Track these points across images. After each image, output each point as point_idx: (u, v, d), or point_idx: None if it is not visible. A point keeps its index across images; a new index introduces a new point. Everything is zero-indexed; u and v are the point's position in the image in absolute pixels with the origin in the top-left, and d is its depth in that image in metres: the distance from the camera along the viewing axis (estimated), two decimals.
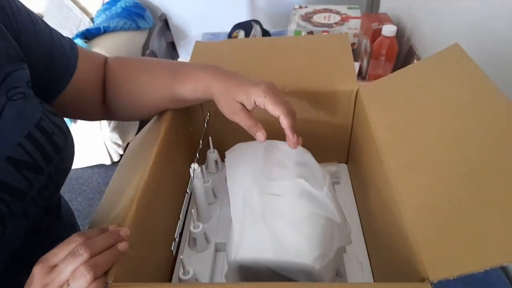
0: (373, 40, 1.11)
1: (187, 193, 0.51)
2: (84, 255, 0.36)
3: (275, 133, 0.54)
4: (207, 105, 0.67)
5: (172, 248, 0.44)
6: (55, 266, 0.37)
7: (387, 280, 0.51)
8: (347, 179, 0.71)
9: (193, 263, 0.56)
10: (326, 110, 0.67)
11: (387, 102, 0.59)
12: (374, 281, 0.55)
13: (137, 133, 2.07)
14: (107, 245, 0.39)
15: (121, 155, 1.84)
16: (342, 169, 0.73)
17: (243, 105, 0.52)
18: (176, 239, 0.45)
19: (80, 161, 1.83)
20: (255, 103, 0.51)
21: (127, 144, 1.87)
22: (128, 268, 0.41)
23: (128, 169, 0.56)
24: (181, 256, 0.48)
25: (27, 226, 0.43)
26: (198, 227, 0.56)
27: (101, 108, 0.59)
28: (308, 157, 0.59)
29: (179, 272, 0.50)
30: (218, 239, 0.59)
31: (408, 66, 0.65)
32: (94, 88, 0.57)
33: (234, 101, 0.52)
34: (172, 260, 0.57)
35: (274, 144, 0.59)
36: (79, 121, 1.68)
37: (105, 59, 0.59)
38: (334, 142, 0.72)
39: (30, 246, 0.45)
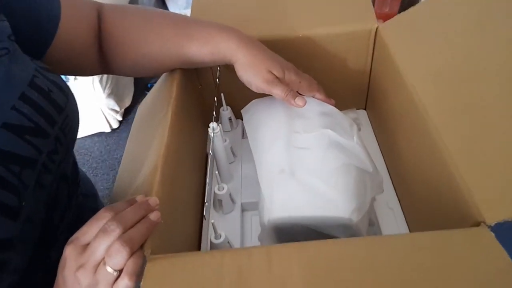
0: None
1: (210, 154, 0.48)
2: (116, 230, 0.34)
3: None
4: None
5: (204, 214, 0.42)
6: (87, 245, 0.34)
7: (425, 225, 0.49)
8: (368, 125, 0.68)
9: (221, 225, 0.54)
10: (342, 54, 0.63)
11: (413, 38, 0.55)
12: (409, 227, 0.54)
13: (133, 97, 2.01)
14: (139, 217, 0.36)
15: (120, 121, 1.80)
16: (362, 116, 0.70)
17: (276, 76, 0.51)
18: (207, 204, 0.43)
19: (79, 131, 1.78)
20: (288, 82, 0.52)
21: (125, 110, 1.82)
22: (162, 238, 0.39)
23: (142, 134, 0.52)
24: (213, 221, 0.46)
25: (45, 197, 0.39)
26: (223, 188, 0.53)
27: (98, 62, 0.54)
28: (331, 107, 0.55)
29: (210, 236, 0.48)
30: (244, 199, 0.57)
31: None
32: (87, 40, 0.50)
33: (266, 70, 0.51)
34: (199, 225, 0.55)
35: None
36: (73, 89, 1.62)
37: (98, 7, 0.52)
38: (351, 87, 0.68)
39: (53, 220, 0.42)
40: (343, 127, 0.51)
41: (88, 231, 0.35)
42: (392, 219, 0.55)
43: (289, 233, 0.44)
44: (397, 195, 0.57)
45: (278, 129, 0.52)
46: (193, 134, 0.57)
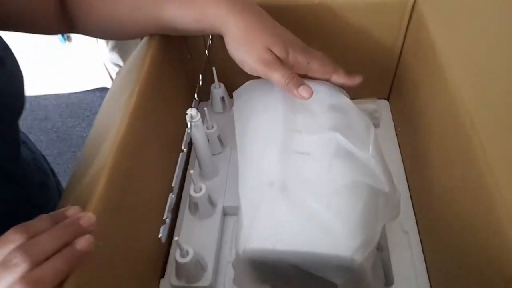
0: None
1: (182, 151, 0.37)
2: (21, 265, 0.24)
3: None
4: None
5: (160, 236, 0.32)
6: None
7: (446, 259, 0.38)
8: (389, 120, 0.56)
9: (195, 233, 0.45)
10: (367, 29, 0.50)
11: (459, 17, 0.42)
12: (425, 257, 0.43)
13: None
14: (59, 244, 0.27)
15: None
16: (383, 107, 0.58)
17: (276, 56, 0.39)
18: (167, 221, 0.33)
19: (80, 84, 1.69)
20: (293, 63, 0.41)
21: None
22: (99, 266, 0.29)
23: (105, 117, 0.42)
24: (176, 238, 0.36)
25: None
26: (200, 190, 0.43)
27: (58, 18, 0.43)
28: (345, 99, 0.43)
29: (175, 254, 0.38)
30: (227, 202, 0.47)
31: None
32: None
33: (263, 48, 0.39)
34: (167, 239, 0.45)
35: None
36: (74, 41, 1.52)
37: None
38: (374, 71, 0.55)
39: None
40: (357, 130, 0.40)
41: None
42: (406, 245, 0.44)
43: (270, 270, 0.34)
44: (414, 215, 0.47)
45: (274, 124, 0.40)
46: (171, 118, 0.46)
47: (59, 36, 1.46)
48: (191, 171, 0.41)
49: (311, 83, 0.42)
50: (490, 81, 0.35)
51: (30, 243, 0.26)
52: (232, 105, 0.57)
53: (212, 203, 0.45)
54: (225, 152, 0.52)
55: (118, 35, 0.47)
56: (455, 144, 0.36)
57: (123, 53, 1.63)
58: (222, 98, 0.55)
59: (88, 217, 0.29)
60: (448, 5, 0.44)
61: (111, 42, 1.55)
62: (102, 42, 1.53)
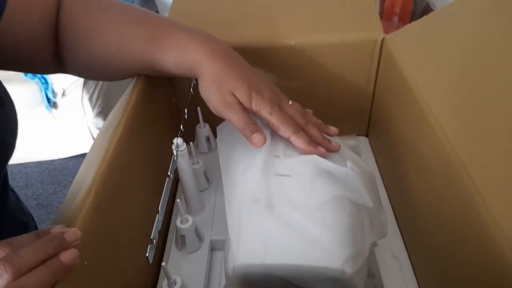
0: None
1: (168, 176, 0.38)
2: (3, 275, 0.24)
3: None
4: None
5: (147, 255, 0.31)
6: None
7: (440, 281, 0.38)
8: (369, 154, 0.58)
9: (183, 267, 0.43)
10: (341, 68, 0.54)
11: (423, 51, 0.46)
12: (418, 282, 0.42)
13: None
14: (44, 256, 0.26)
15: None
16: (363, 143, 0.60)
17: (239, 101, 0.41)
18: (154, 241, 0.32)
19: (63, 150, 1.69)
20: (256, 111, 0.41)
21: None
22: (82, 286, 0.28)
23: (92, 150, 0.43)
24: (163, 263, 0.35)
25: None
26: (187, 221, 0.43)
27: (53, 58, 0.45)
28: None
29: (162, 283, 0.37)
30: (214, 236, 0.46)
31: (441, 8, 0.52)
32: (41, 31, 0.42)
33: (227, 91, 0.41)
34: (155, 268, 0.44)
35: None
36: (60, 107, 1.54)
37: None
38: (351, 110, 0.58)
39: None
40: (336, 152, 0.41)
41: None
42: (398, 271, 0.44)
43: (262, 287, 0.33)
44: (403, 241, 0.47)
45: (256, 152, 0.42)
46: (156, 154, 0.47)
47: (46, 104, 1.49)
48: (178, 200, 0.41)
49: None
50: (461, 101, 0.37)
51: (13, 254, 0.25)
52: (216, 146, 0.59)
53: (199, 236, 0.45)
54: (211, 188, 0.52)
55: (109, 77, 0.49)
56: (434, 163, 0.37)
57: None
58: (207, 137, 0.57)
59: (72, 232, 0.28)
60: (414, 41, 0.48)
61: (97, 107, 1.59)
62: (88, 106, 1.56)
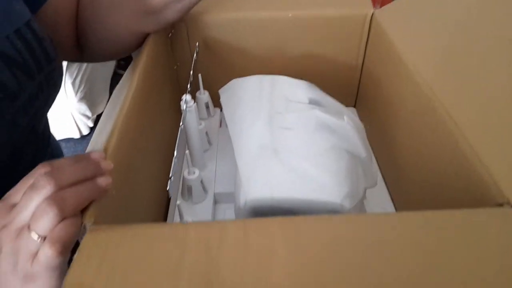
0: None
1: (181, 127, 0.41)
2: (46, 187, 0.26)
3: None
4: (195, 34, 0.56)
5: (168, 189, 0.34)
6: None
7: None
8: None
9: (189, 217, 0.46)
10: (331, 42, 0.58)
11: (412, 24, 0.51)
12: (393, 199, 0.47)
13: (107, 103, 1.94)
14: (82, 176, 0.29)
15: (91, 128, 1.70)
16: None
17: None
18: (172, 178, 0.35)
19: None
20: None
21: (97, 116, 1.73)
22: (111, 214, 0.31)
23: (111, 104, 0.45)
24: (178, 202, 0.38)
25: (15, 138, 0.38)
26: (194, 173, 0.46)
27: (73, 45, 0.50)
28: (321, 92, 0.50)
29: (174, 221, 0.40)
30: (218, 189, 0.50)
31: None
32: (69, 15, 0.47)
33: None
34: (163, 212, 0.47)
35: (277, 78, 0.50)
36: None
37: None
38: (340, 82, 0.63)
39: (15, 171, 0.35)
40: (333, 107, 0.46)
41: (19, 188, 0.28)
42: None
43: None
44: (391, 199, 0.51)
45: (259, 107, 0.45)
46: (162, 115, 0.50)
47: None
48: (187, 151, 0.44)
49: (291, 80, 0.48)
50: (448, 64, 0.42)
51: (56, 171, 0.28)
52: (215, 113, 0.62)
53: (204, 188, 0.48)
54: (212, 149, 0.56)
55: (115, 46, 0.51)
56: (420, 119, 0.42)
57: (91, 104, 1.66)
58: (206, 104, 0.60)
59: (107, 163, 0.31)
60: (402, 14, 0.53)
61: (80, 92, 1.58)
62: (71, 91, 1.55)
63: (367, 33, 0.57)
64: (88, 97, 1.62)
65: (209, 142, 0.55)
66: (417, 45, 0.46)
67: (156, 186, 0.40)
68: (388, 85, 0.52)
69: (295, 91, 0.48)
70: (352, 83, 0.63)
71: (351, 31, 0.57)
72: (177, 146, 0.39)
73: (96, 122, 1.72)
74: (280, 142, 0.41)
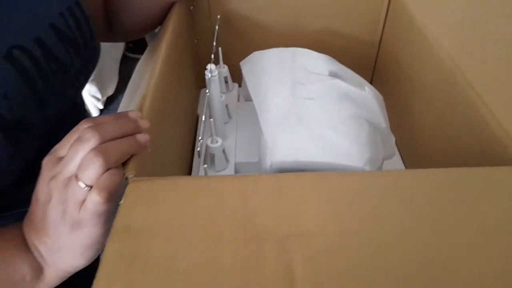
0: None
1: (206, 92, 0.42)
2: (92, 139, 0.28)
3: None
4: (216, 7, 0.57)
5: (198, 149, 0.36)
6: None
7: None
8: None
9: None
10: (349, 17, 0.59)
11: None
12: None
13: (117, 85, 1.94)
14: (123, 132, 0.30)
15: (101, 110, 1.72)
16: None
17: None
18: (201, 140, 0.37)
19: None
20: None
21: (107, 98, 1.75)
22: (148, 169, 0.33)
23: (139, 72, 0.47)
24: (205, 165, 0.40)
25: (61, 108, 0.40)
26: (217, 141, 0.48)
27: (104, 24, 0.53)
28: (341, 65, 0.51)
29: None
30: (238, 159, 0.51)
31: None
32: None
33: None
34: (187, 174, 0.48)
35: (298, 51, 0.51)
36: None
37: None
38: (357, 57, 0.64)
39: (57, 138, 0.37)
40: (353, 79, 0.47)
41: (65, 143, 0.30)
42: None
43: None
44: (404, 163, 0.53)
45: (281, 78, 0.46)
46: (185, 87, 0.51)
47: None
48: (211, 119, 0.45)
49: (312, 53, 0.49)
50: (467, 33, 0.43)
51: (99, 125, 0.29)
52: (233, 88, 0.63)
53: (226, 157, 0.50)
54: (232, 122, 0.57)
55: (147, 23, 0.53)
56: (440, 91, 0.43)
57: (101, 86, 1.67)
58: (225, 78, 0.61)
59: (144, 121, 0.33)
60: None
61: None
62: None
63: (386, 7, 0.58)
64: (98, 79, 1.64)
65: (229, 115, 0.57)
66: (438, 18, 0.47)
67: (181, 148, 0.42)
68: (407, 59, 0.53)
69: (316, 63, 0.49)
70: (369, 59, 0.64)
71: (370, 6, 0.58)
72: (205, 112, 0.41)
73: (105, 104, 1.74)
74: (303, 111, 0.42)
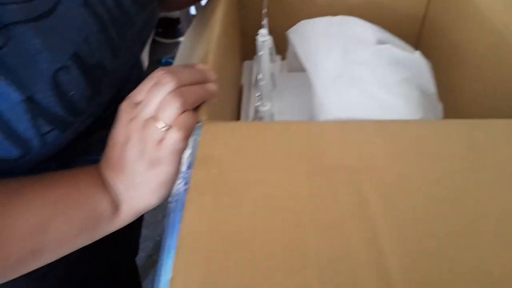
0: None
1: (259, 54, 0.44)
2: (170, 83, 0.30)
3: None
4: None
5: (257, 95, 0.37)
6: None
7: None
8: None
9: None
10: None
11: None
12: None
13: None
14: (195, 79, 0.32)
15: None
16: None
17: None
18: (260, 102, 0.39)
19: None
20: None
21: None
22: (216, 115, 0.35)
23: (194, 33, 0.48)
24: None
25: (128, 64, 0.41)
26: (266, 105, 0.49)
27: None
28: (388, 34, 0.51)
29: None
30: None
31: None
32: None
33: None
34: None
35: (346, 19, 0.52)
36: None
37: None
38: (398, 31, 0.64)
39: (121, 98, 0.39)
40: (403, 46, 0.48)
41: (142, 88, 0.32)
42: None
43: None
44: None
45: (331, 45, 0.48)
46: (233, 56, 0.53)
47: None
48: (263, 82, 0.47)
49: (360, 21, 0.50)
50: None
51: (176, 71, 0.31)
52: (276, 60, 0.65)
53: (273, 121, 0.51)
54: (277, 91, 0.58)
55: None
56: (491, 57, 0.43)
57: None
58: (270, 49, 0.62)
59: (212, 73, 0.35)
60: None
61: None
62: None
63: None
64: None
65: (274, 85, 0.58)
66: None
67: (229, 117, 0.43)
68: (454, 32, 0.53)
69: (365, 31, 0.50)
70: (411, 33, 0.64)
71: None
72: (256, 76, 0.42)
73: None
74: (355, 73, 0.44)
